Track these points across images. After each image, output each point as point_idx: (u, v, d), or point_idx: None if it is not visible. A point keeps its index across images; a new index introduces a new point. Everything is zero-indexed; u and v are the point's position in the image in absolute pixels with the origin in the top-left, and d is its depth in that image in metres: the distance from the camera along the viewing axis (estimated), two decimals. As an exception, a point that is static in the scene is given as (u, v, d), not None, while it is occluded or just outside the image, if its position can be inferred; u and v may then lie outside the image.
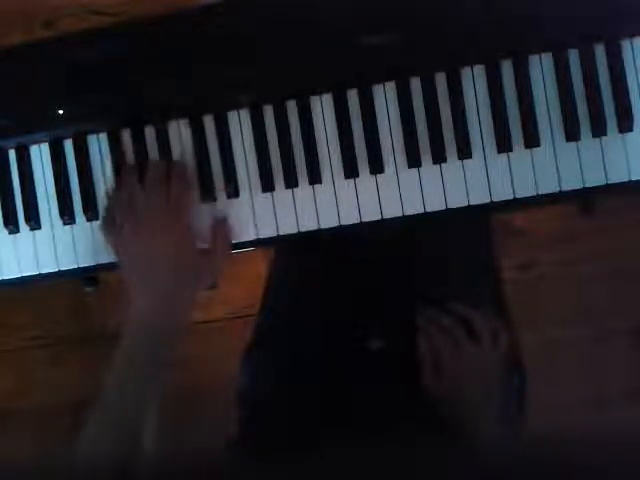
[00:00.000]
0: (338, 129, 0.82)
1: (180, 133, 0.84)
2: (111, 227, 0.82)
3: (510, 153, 0.80)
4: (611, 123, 0.79)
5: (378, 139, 0.82)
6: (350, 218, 0.82)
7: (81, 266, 0.85)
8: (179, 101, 0.84)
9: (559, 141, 0.80)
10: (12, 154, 0.86)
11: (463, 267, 0.98)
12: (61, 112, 0.84)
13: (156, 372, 0.78)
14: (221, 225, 0.83)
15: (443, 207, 0.81)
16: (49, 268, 0.86)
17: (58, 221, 0.86)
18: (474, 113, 0.81)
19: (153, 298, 0.80)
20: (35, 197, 0.86)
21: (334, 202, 0.82)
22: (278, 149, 0.83)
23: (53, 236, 0.86)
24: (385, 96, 0.82)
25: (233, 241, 0.84)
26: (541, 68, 0.81)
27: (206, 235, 0.83)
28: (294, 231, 0.83)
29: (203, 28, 0.83)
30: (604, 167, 0.79)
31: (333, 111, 0.82)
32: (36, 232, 0.86)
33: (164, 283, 0.80)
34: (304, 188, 0.83)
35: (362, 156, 0.82)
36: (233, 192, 0.83)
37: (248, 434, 0.93)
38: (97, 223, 0.85)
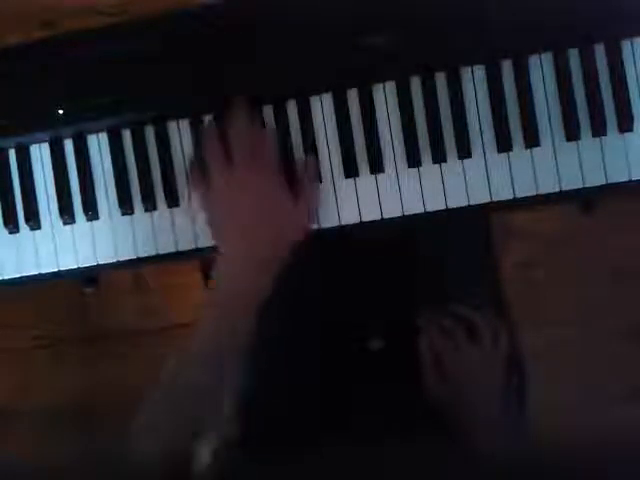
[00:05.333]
0: (338, 129, 0.82)
1: (180, 133, 0.84)
2: (199, 179, 0.81)
3: (510, 153, 0.80)
4: (611, 123, 0.79)
5: (378, 139, 0.82)
6: (350, 218, 0.82)
7: (81, 266, 0.85)
8: (179, 101, 0.84)
9: (559, 141, 0.80)
10: (12, 154, 0.86)
11: (463, 267, 0.97)
12: (61, 112, 0.84)
13: (250, 324, 0.77)
14: (308, 165, 0.82)
15: (443, 207, 0.81)
16: (49, 268, 0.86)
17: (58, 221, 0.86)
18: (474, 113, 0.81)
19: (248, 246, 0.78)
20: (35, 197, 0.86)
21: (334, 202, 0.82)
22: (278, 149, 0.83)
23: (53, 236, 0.86)
24: (385, 96, 0.82)
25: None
26: (541, 68, 0.81)
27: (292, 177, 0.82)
28: (294, 231, 0.83)
29: (203, 28, 0.83)
30: (604, 167, 0.79)
31: (333, 111, 0.82)
32: (36, 232, 0.86)
33: (261, 230, 0.78)
34: (304, 188, 0.83)
35: (362, 156, 0.82)
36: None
37: (248, 434, 0.93)
38: (97, 223, 0.85)
